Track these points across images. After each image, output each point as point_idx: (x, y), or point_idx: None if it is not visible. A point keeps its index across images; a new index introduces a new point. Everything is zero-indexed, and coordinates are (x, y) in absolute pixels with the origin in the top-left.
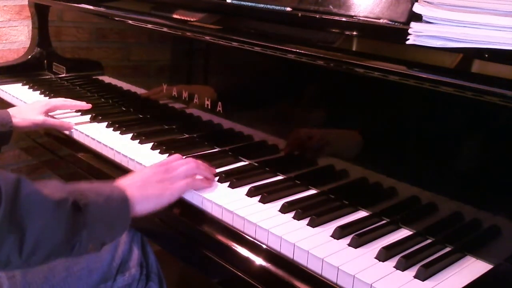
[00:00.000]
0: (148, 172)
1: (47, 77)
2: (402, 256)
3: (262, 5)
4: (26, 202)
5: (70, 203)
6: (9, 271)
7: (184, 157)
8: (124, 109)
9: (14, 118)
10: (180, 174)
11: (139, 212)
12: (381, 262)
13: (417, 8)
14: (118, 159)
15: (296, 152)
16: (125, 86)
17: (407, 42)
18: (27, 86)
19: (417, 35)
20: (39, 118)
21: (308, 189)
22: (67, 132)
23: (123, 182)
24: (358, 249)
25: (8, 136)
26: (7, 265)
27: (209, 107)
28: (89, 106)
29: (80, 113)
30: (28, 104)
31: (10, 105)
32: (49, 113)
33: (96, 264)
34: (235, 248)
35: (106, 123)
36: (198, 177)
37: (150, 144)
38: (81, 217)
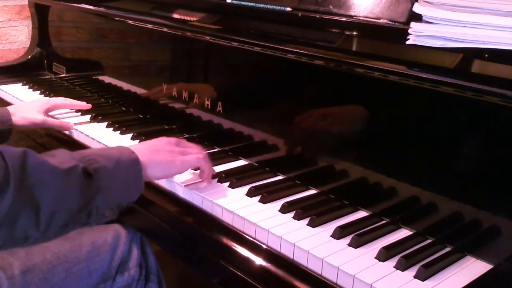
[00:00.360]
0: (160, 140)
1: (47, 77)
2: (402, 256)
3: (262, 5)
4: (35, 174)
5: (80, 170)
6: (28, 246)
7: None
8: (124, 109)
9: (13, 116)
10: (192, 151)
11: (151, 176)
12: (381, 262)
13: (417, 8)
14: None
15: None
16: (125, 86)
17: (407, 42)
18: (27, 86)
19: (417, 35)
20: (39, 117)
21: (308, 189)
22: (67, 132)
23: (132, 147)
24: (358, 249)
25: (7, 134)
26: (26, 240)
27: (209, 107)
28: (89, 106)
29: (80, 113)
30: (28, 103)
31: (10, 105)
32: (49, 113)
33: (95, 264)
34: (235, 248)
35: (106, 123)
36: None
37: None
38: (93, 182)
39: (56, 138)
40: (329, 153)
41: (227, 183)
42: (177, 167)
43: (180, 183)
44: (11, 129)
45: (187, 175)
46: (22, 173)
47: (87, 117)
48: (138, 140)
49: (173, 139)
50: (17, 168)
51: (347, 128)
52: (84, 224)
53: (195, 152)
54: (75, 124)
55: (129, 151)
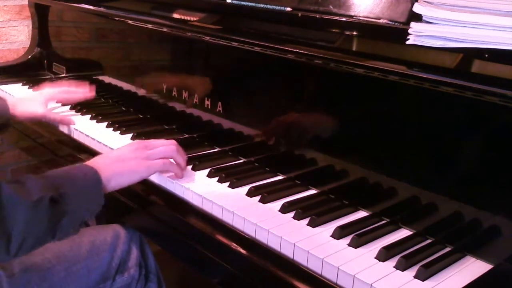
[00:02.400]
0: (124, 148)
1: (47, 77)
2: (402, 256)
3: (262, 5)
4: (8, 206)
5: (48, 199)
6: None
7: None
8: (124, 109)
9: (14, 108)
10: (157, 153)
11: (116, 186)
12: (381, 262)
13: (417, 8)
14: None
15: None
16: (125, 86)
17: (407, 42)
18: (27, 86)
19: (417, 35)
20: (40, 110)
21: (308, 189)
22: (67, 132)
23: (97, 161)
24: (358, 249)
25: (5, 126)
26: None
27: (209, 107)
28: (92, 94)
29: (80, 113)
30: (29, 95)
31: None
32: (49, 107)
33: (95, 264)
34: (235, 248)
35: (106, 123)
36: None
37: None
38: (59, 208)
39: (56, 138)
40: (329, 153)
41: (227, 183)
42: (141, 174)
43: (180, 183)
44: (9, 121)
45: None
46: None
47: (87, 117)
48: None
49: (141, 144)
50: None
51: (346, 128)
52: (49, 242)
53: (162, 152)
54: (75, 124)
55: (92, 171)
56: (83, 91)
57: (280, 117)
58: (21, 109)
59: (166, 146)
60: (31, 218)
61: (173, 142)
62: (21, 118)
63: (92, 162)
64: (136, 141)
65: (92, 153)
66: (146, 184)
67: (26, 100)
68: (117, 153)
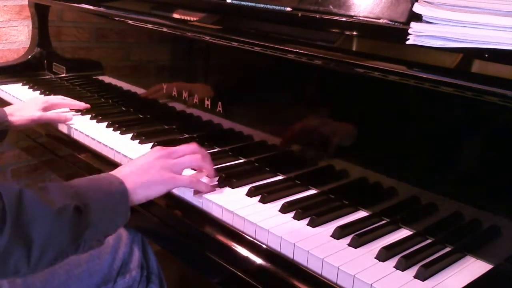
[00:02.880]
0: (148, 157)
1: (47, 77)
2: (402, 256)
3: (262, 5)
4: (30, 213)
5: (72, 208)
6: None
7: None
8: (124, 109)
9: (11, 116)
10: (183, 163)
11: (141, 199)
12: (381, 262)
13: (417, 8)
14: (118, 159)
15: (294, 147)
16: (125, 86)
17: (407, 42)
18: (27, 86)
19: (417, 35)
20: (36, 114)
21: (308, 189)
22: (66, 132)
23: (122, 171)
24: (358, 249)
25: (3, 134)
26: (16, 274)
27: (209, 107)
28: (87, 106)
29: (80, 113)
30: (25, 102)
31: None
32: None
33: (96, 266)
34: (235, 248)
35: (106, 123)
36: (204, 179)
37: (150, 144)
38: (83, 219)
39: (56, 138)
40: (329, 153)
41: (227, 183)
42: (167, 186)
43: None
44: (7, 129)
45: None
46: (18, 213)
47: (87, 117)
48: (138, 140)
49: (164, 152)
50: (14, 207)
51: (346, 128)
52: (72, 255)
53: (188, 162)
54: (75, 124)
55: (118, 181)
56: (79, 103)
57: (282, 117)
58: (19, 115)
59: (191, 156)
60: (53, 227)
61: (196, 148)
62: (19, 125)
63: (117, 173)
64: (158, 148)
65: (92, 153)
66: None
67: (22, 107)
68: (141, 163)
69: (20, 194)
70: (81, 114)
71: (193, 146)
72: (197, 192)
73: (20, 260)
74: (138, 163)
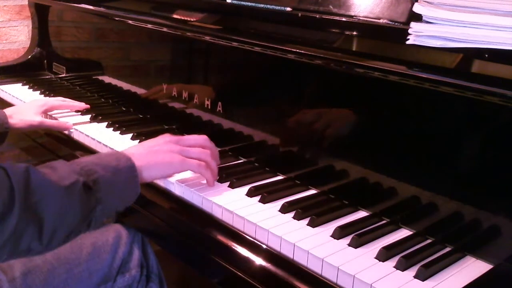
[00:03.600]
0: (159, 139)
1: (47, 77)
2: (402, 256)
3: (262, 5)
4: (39, 191)
5: (81, 184)
6: (29, 257)
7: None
8: (124, 109)
9: (10, 118)
10: (192, 153)
11: (148, 178)
12: (381, 262)
13: (417, 8)
14: None
15: (294, 147)
16: (125, 86)
17: (407, 42)
18: (27, 86)
19: (417, 35)
20: (37, 119)
21: (308, 189)
22: (66, 132)
23: (130, 150)
24: (358, 249)
25: (3, 136)
26: (29, 253)
27: (209, 107)
28: (87, 106)
29: (80, 113)
30: (25, 104)
31: (10, 105)
32: (48, 113)
33: (96, 266)
34: (235, 248)
35: (106, 123)
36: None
37: None
38: (93, 195)
39: (56, 138)
40: (329, 153)
41: (227, 183)
42: (175, 168)
43: (181, 184)
44: (7, 132)
45: (188, 175)
46: (26, 191)
47: (87, 117)
48: (138, 140)
49: (173, 138)
50: (22, 186)
51: (346, 128)
52: (83, 232)
53: (197, 154)
54: (75, 124)
55: (125, 157)
56: (79, 104)
57: (279, 117)
58: (18, 118)
59: (201, 151)
60: (63, 205)
61: (206, 141)
62: (18, 128)
63: (125, 151)
64: (167, 134)
65: (92, 153)
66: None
67: (21, 109)
68: (149, 145)
69: (27, 173)
70: (81, 114)
71: (203, 138)
72: (197, 185)
73: (33, 240)
74: (146, 144)
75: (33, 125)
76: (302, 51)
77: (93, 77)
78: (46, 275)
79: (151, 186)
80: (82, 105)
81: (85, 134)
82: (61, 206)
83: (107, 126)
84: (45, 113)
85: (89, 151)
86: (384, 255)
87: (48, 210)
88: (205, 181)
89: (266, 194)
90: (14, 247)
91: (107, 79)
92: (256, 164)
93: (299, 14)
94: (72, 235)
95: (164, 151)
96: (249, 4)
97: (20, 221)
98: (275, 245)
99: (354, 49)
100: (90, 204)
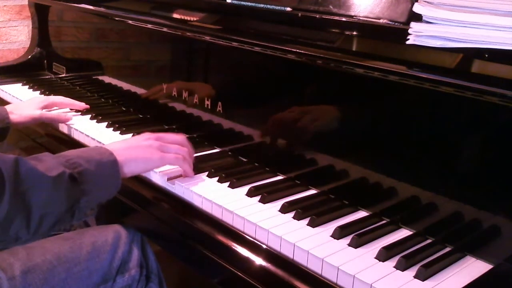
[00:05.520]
0: (139, 137)
1: (47, 77)
2: (402, 256)
3: (262, 5)
4: (27, 180)
5: (67, 175)
6: (19, 246)
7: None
8: (124, 109)
9: (11, 114)
10: (171, 148)
11: (128, 173)
12: (381, 262)
13: (417, 8)
14: None
15: (294, 147)
16: (125, 86)
17: (407, 42)
18: (27, 86)
19: (417, 35)
20: (37, 112)
21: (308, 189)
22: (66, 132)
23: (111, 145)
24: (358, 249)
25: (5, 132)
26: (17, 241)
27: (209, 107)
28: (87, 106)
29: (80, 113)
30: (26, 101)
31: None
32: (48, 109)
33: (96, 265)
34: (235, 248)
35: (106, 123)
36: None
37: None
38: (78, 186)
39: (56, 138)
40: (329, 153)
41: (227, 183)
42: (154, 163)
43: (180, 183)
44: (9, 127)
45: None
46: (16, 180)
47: (87, 117)
48: None
49: (152, 134)
50: (12, 175)
51: (346, 128)
52: (68, 223)
53: (175, 149)
54: (75, 124)
55: (108, 152)
56: (79, 103)
57: (279, 116)
58: (19, 114)
59: (179, 148)
60: (51, 194)
61: (184, 140)
62: (19, 123)
63: (107, 146)
64: (147, 132)
65: None
66: (145, 183)
67: (22, 105)
68: (130, 141)
69: (17, 163)
70: (81, 114)
71: (181, 137)
72: (174, 177)
73: (21, 228)
74: (127, 141)
75: (33, 118)
76: (302, 51)
77: (93, 77)
78: (45, 274)
79: (151, 186)
80: (82, 105)
81: (85, 134)
82: (49, 195)
83: (107, 126)
84: (45, 108)
85: None
86: (384, 255)
87: (36, 199)
88: (203, 181)
89: (266, 194)
90: (3, 234)
91: (107, 79)
92: (256, 164)
93: (299, 14)
94: (57, 225)
95: (144, 147)
96: (249, 4)
97: (10, 209)
98: (275, 245)
99: (354, 49)
100: (76, 195)
